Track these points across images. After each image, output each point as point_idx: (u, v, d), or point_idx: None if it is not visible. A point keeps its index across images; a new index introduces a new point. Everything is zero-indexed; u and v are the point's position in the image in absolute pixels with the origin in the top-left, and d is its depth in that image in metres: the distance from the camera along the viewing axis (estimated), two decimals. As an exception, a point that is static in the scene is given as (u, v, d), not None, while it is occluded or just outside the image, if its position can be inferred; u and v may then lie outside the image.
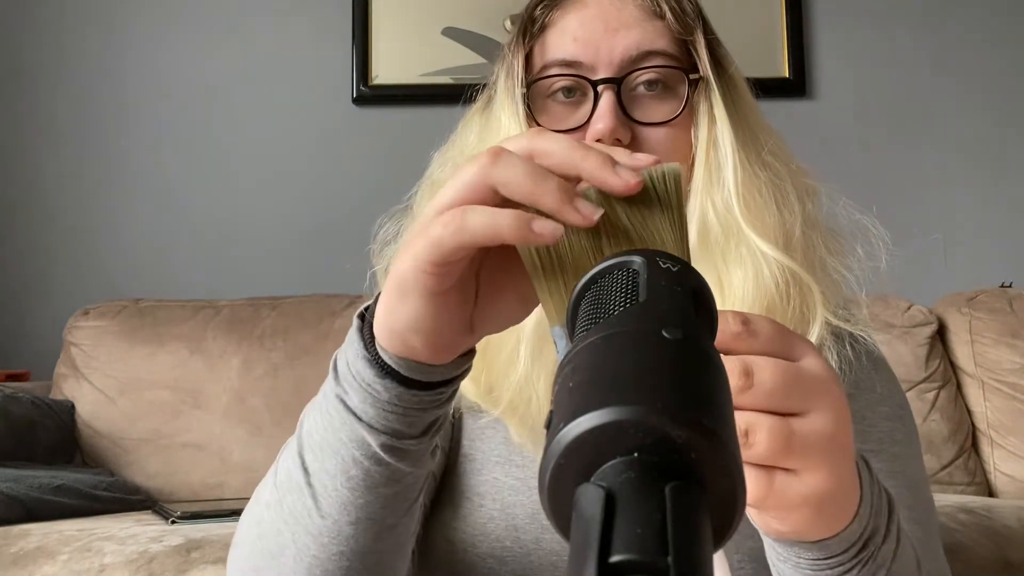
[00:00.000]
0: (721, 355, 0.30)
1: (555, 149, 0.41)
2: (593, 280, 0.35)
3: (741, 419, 0.39)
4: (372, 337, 0.48)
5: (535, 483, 0.69)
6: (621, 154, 0.41)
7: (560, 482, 0.25)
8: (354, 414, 0.49)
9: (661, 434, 0.24)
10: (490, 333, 0.48)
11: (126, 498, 1.63)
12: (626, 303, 0.32)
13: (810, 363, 0.41)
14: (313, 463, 0.53)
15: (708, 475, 0.25)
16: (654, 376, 0.26)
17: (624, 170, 0.39)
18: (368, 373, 0.48)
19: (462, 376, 0.50)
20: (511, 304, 0.46)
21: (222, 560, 1.15)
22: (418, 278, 0.42)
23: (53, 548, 1.20)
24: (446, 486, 0.73)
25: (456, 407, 0.75)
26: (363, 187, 2.15)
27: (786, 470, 0.41)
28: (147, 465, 1.77)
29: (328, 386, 0.52)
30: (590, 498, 0.23)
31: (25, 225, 2.25)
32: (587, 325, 0.33)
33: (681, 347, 0.28)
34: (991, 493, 1.80)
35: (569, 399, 0.26)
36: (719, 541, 0.26)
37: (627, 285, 0.33)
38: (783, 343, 0.41)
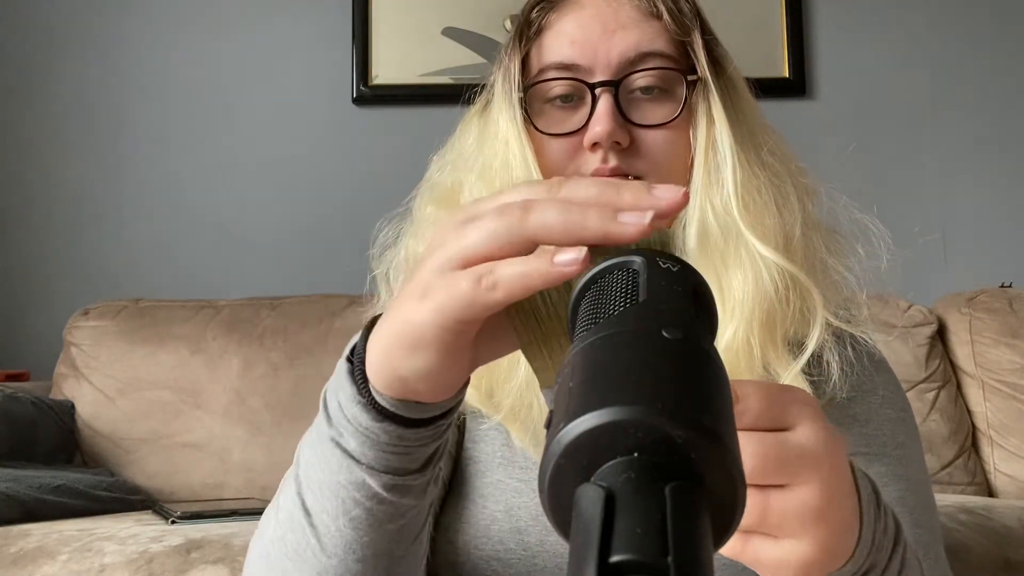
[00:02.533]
0: None
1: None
2: (593, 280, 0.35)
3: None
4: (364, 379, 0.46)
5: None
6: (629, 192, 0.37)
7: (560, 482, 0.25)
8: (352, 457, 0.48)
9: (661, 434, 0.24)
10: (486, 363, 0.46)
11: (126, 498, 1.62)
12: (626, 303, 0.32)
13: (802, 433, 0.39)
14: (313, 504, 0.51)
15: (708, 475, 0.25)
16: (654, 376, 0.26)
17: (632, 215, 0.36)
18: (365, 418, 0.46)
19: (459, 404, 0.48)
20: (510, 336, 0.44)
21: (222, 560, 1.15)
22: (439, 335, 0.40)
23: (53, 548, 1.20)
24: (450, 489, 0.73)
25: (460, 410, 0.75)
26: (363, 187, 2.15)
27: (764, 533, 0.40)
28: (147, 465, 1.77)
29: (321, 426, 0.50)
30: (590, 498, 0.23)
31: (25, 225, 2.25)
32: (587, 325, 0.32)
33: (681, 347, 0.28)
34: (991, 493, 1.79)
35: (569, 399, 0.26)
36: (719, 541, 0.26)
37: (627, 285, 0.33)
38: (773, 415, 0.39)
